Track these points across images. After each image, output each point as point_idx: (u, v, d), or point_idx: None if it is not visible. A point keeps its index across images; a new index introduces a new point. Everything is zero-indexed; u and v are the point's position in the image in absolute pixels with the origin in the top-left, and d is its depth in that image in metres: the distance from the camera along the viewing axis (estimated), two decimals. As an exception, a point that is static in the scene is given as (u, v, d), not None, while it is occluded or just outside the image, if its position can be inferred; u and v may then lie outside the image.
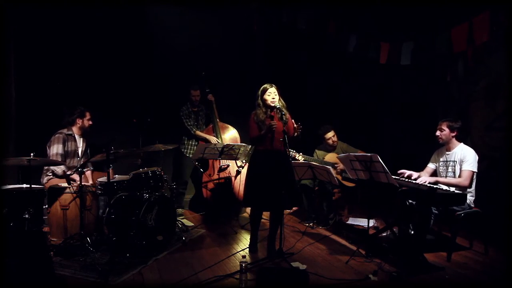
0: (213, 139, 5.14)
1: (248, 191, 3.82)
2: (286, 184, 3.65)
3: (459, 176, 3.76)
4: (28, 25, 4.63)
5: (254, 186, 3.75)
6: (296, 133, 3.70)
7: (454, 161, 3.86)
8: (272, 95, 3.70)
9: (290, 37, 5.99)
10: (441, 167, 3.99)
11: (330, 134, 5.02)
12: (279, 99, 3.75)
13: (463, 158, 3.77)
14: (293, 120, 3.72)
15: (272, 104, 3.69)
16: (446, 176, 3.90)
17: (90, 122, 4.37)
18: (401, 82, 5.66)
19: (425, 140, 4.29)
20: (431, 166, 4.11)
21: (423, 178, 3.77)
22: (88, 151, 4.46)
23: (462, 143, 3.90)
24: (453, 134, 3.87)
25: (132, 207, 3.75)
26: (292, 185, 3.71)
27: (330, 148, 5.08)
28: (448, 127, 3.87)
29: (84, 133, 4.38)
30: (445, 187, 3.79)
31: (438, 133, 3.93)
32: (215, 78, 5.37)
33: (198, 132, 5.25)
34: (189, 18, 5.51)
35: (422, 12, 5.02)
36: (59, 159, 4.09)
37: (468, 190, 3.77)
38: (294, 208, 5.62)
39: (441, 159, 4.00)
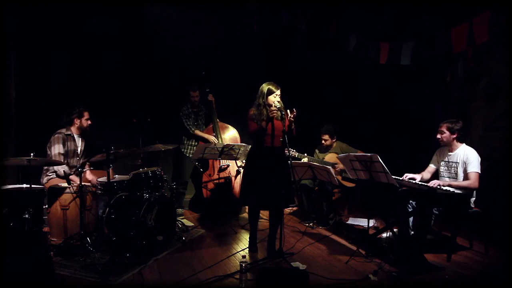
0: (211, 138, 5.14)
1: (244, 187, 3.82)
2: (282, 182, 3.65)
3: (465, 178, 3.76)
4: (28, 25, 4.63)
5: (251, 182, 3.75)
6: (290, 118, 3.56)
7: (457, 162, 3.85)
8: (277, 98, 3.68)
9: (290, 37, 6.00)
10: (442, 167, 3.98)
11: (325, 137, 5.05)
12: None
13: (466, 160, 3.76)
14: (288, 110, 3.62)
15: (274, 108, 3.67)
16: (449, 178, 3.89)
17: (89, 122, 4.35)
18: (401, 82, 5.66)
19: (425, 140, 4.30)
20: (432, 166, 4.11)
21: (436, 181, 3.72)
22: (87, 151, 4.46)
23: (464, 144, 3.89)
24: (454, 136, 3.85)
25: (132, 207, 3.75)
26: (288, 183, 3.71)
27: (324, 148, 5.11)
28: (448, 129, 3.85)
29: (82, 132, 4.38)
30: (445, 187, 3.79)
31: (438, 135, 3.91)
32: (215, 78, 5.37)
33: (197, 132, 5.25)
34: (189, 18, 5.50)
35: (422, 12, 5.01)
36: (61, 159, 4.10)
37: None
38: (293, 208, 5.63)
39: (443, 160, 3.99)
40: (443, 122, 3.92)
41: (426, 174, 4.10)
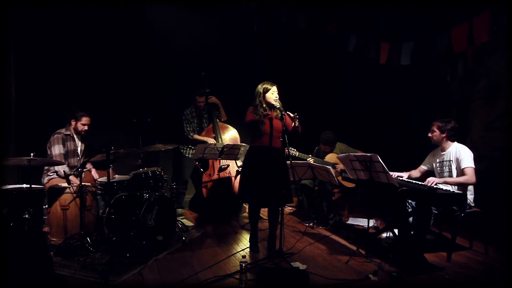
0: (210, 140, 5.12)
1: (242, 186, 3.84)
2: (280, 181, 3.66)
3: (460, 175, 3.76)
4: (28, 25, 4.63)
5: (248, 181, 3.76)
6: (294, 123, 3.65)
7: (450, 160, 3.86)
8: (275, 94, 3.70)
9: (290, 37, 5.99)
10: (438, 168, 4.00)
11: (326, 149, 5.05)
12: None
13: (459, 157, 3.77)
14: (288, 112, 3.68)
15: (275, 103, 3.68)
16: (442, 177, 3.90)
17: (85, 128, 4.32)
18: (401, 82, 5.66)
19: (424, 140, 4.29)
20: (423, 167, 4.14)
21: (432, 178, 3.73)
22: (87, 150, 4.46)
23: (455, 142, 3.90)
24: (444, 135, 3.87)
25: (132, 207, 3.75)
26: (286, 182, 3.71)
27: (323, 153, 5.12)
28: (438, 128, 3.89)
29: (78, 134, 4.37)
30: (445, 187, 3.79)
31: (429, 134, 3.96)
32: (215, 78, 5.37)
33: (196, 136, 5.22)
34: (189, 18, 5.51)
35: (422, 12, 5.01)
36: (62, 159, 4.10)
37: (468, 187, 3.78)
38: (292, 208, 5.63)
39: (437, 160, 4.00)
40: (435, 121, 3.97)
41: (416, 173, 4.14)
